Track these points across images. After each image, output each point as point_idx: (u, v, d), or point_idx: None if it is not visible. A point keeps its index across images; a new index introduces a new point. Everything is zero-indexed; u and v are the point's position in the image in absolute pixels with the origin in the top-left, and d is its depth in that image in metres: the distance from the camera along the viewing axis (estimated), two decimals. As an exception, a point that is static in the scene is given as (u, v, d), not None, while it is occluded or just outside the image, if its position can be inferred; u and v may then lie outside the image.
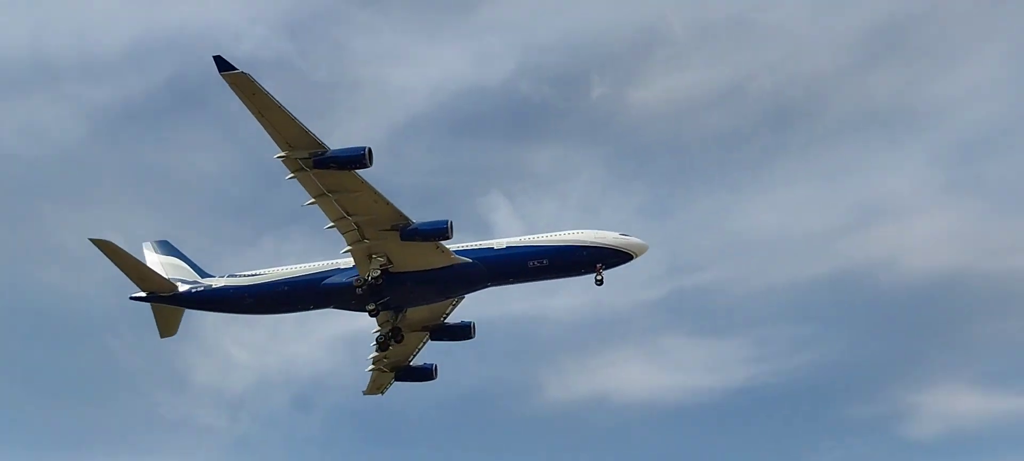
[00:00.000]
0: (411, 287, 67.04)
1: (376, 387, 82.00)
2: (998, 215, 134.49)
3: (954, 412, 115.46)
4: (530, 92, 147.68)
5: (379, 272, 65.34)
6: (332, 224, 62.78)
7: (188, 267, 71.62)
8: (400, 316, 71.85)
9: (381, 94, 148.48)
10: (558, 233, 68.54)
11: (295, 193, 60.10)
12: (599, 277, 67.85)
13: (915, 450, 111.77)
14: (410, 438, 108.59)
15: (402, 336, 73.01)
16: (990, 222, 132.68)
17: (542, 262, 67.51)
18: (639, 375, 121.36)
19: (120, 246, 66.51)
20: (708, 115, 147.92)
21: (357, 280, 66.38)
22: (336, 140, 57.31)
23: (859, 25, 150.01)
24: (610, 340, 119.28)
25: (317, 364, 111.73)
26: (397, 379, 79.47)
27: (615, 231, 68.52)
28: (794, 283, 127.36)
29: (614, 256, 67.80)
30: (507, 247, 67.92)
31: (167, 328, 73.34)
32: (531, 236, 68.71)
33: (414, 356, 78.39)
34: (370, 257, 65.19)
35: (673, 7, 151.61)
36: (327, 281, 68.58)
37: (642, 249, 68.30)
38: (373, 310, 69.08)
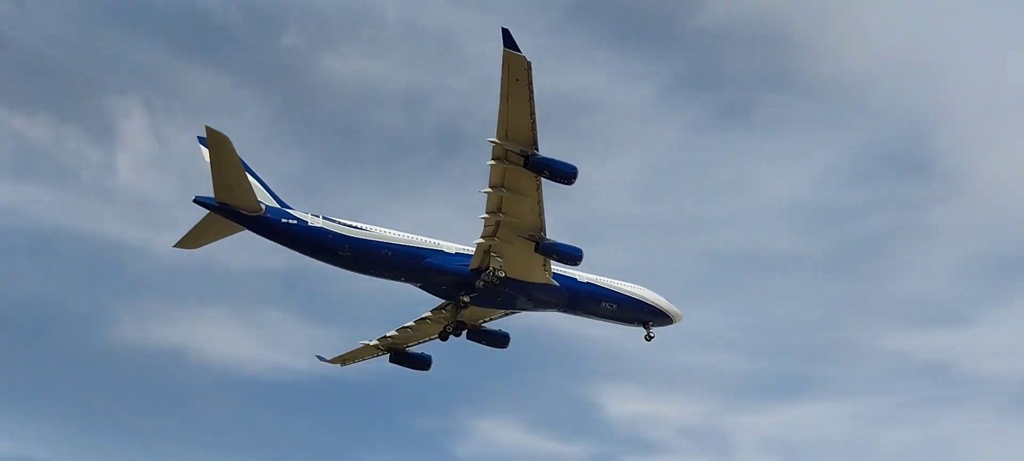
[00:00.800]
0: (509, 292, 67.20)
1: (348, 359, 79.02)
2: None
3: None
4: (217, 7, 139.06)
5: (504, 274, 64.86)
6: (486, 215, 61.51)
7: (265, 191, 63.33)
8: (460, 312, 71.02)
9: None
10: (624, 284, 73.74)
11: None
12: (650, 334, 74.56)
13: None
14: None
15: (461, 330, 72.12)
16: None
17: (612, 306, 72.22)
18: (228, 340, 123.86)
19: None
20: (387, 113, 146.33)
21: (486, 276, 64.91)
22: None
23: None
24: (209, 298, 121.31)
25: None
26: (392, 361, 77.40)
27: (664, 297, 75.74)
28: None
29: (663, 318, 75.00)
30: (588, 282, 71.40)
31: (195, 240, 63.81)
32: (603, 278, 72.86)
33: (414, 345, 77.25)
34: (489, 254, 64.54)
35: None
36: (431, 261, 65.73)
37: (679, 318, 76.33)
38: (466, 302, 67.82)
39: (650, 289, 75.04)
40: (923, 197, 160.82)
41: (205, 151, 62.71)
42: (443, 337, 72.74)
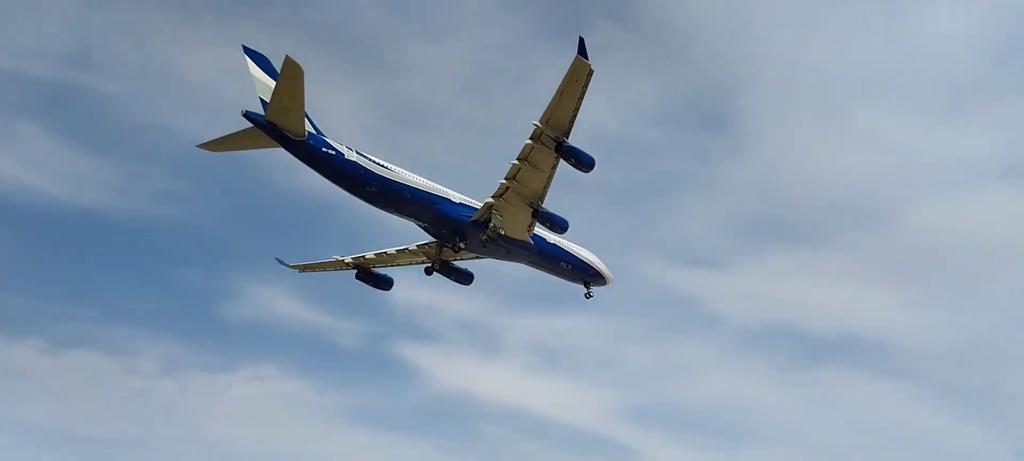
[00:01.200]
0: (497, 245, 75.79)
1: (313, 267, 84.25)
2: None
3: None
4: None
5: (502, 231, 73.31)
6: (504, 181, 69.41)
7: (305, 118, 66.78)
8: (443, 251, 78.67)
9: None
10: (579, 248, 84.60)
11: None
12: (590, 293, 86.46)
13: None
14: None
15: (443, 268, 79.74)
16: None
17: (567, 266, 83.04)
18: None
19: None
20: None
21: (490, 231, 72.59)
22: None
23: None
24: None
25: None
26: (358, 278, 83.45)
27: (599, 258, 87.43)
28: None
29: (600, 280, 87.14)
30: (554, 243, 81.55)
31: (223, 146, 66.72)
32: (563, 241, 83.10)
33: (381, 268, 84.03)
34: (490, 211, 72.71)
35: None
36: (441, 207, 72.57)
37: (611, 281, 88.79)
38: (461, 247, 75.47)
39: (594, 254, 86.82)
40: (715, 150, 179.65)
41: (251, 62, 65.74)
42: (428, 272, 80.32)
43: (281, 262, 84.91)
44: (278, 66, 62.03)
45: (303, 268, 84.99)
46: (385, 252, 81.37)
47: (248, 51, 66.45)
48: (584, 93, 61.93)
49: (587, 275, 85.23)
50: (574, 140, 65.14)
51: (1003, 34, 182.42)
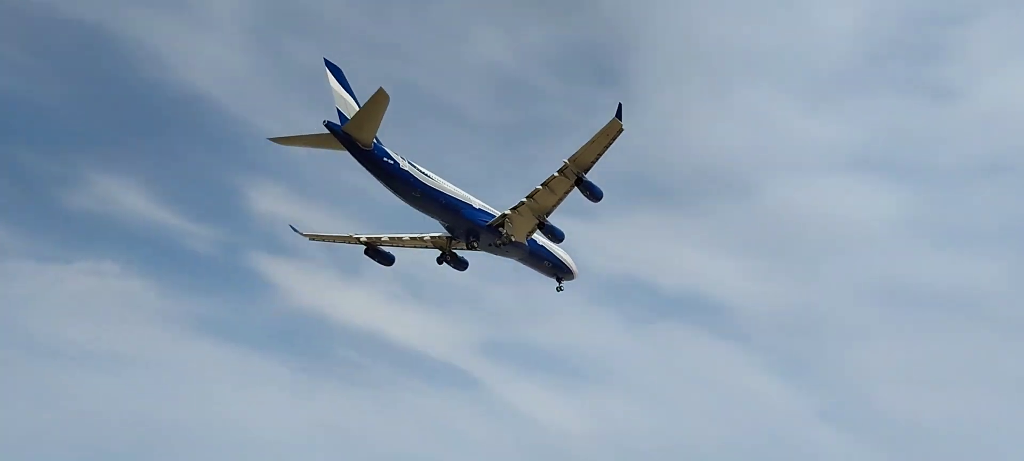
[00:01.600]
0: (503, 246, 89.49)
1: (325, 238, 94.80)
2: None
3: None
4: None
5: (513, 237, 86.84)
6: (524, 199, 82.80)
7: None
8: (453, 244, 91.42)
9: None
10: (557, 248, 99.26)
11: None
12: (561, 286, 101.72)
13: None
14: None
15: (452, 259, 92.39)
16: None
17: (547, 264, 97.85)
18: None
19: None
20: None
21: (505, 237, 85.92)
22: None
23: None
24: None
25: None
26: (366, 253, 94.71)
27: (570, 257, 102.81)
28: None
29: (570, 274, 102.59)
30: (541, 245, 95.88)
31: (293, 142, 76.70)
32: (547, 243, 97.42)
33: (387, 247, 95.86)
34: (504, 218, 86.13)
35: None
36: (467, 213, 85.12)
37: (577, 275, 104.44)
38: (475, 246, 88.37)
39: (567, 253, 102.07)
40: (602, 104, 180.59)
41: (330, 75, 76.02)
42: (440, 261, 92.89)
43: (294, 229, 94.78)
44: (351, 78, 72.58)
45: (313, 237, 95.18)
46: (399, 237, 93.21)
47: (329, 64, 76.21)
48: (609, 146, 76.26)
49: (561, 271, 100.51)
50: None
51: (879, 33, 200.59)
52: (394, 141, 79.01)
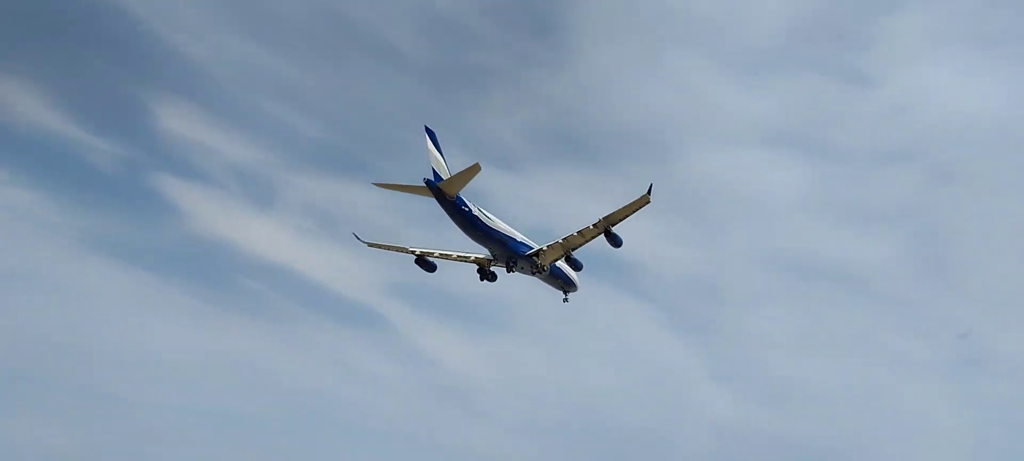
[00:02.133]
0: (535, 269, 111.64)
1: (383, 246, 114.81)
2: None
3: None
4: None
5: (545, 266, 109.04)
6: (560, 240, 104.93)
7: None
8: (491, 263, 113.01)
9: None
10: (566, 266, 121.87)
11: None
12: (566, 299, 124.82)
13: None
14: None
15: (492, 274, 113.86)
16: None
17: (559, 281, 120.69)
18: None
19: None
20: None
21: (539, 266, 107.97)
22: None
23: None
24: None
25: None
26: (416, 262, 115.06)
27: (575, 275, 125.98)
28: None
29: (574, 288, 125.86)
30: (557, 265, 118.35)
31: (392, 187, 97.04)
32: (561, 264, 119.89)
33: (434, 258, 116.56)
34: (540, 251, 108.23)
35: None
36: (510, 245, 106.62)
37: (578, 288, 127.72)
38: (513, 269, 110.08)
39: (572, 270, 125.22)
40: (534, 56, 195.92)
41: (429, 141, 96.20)
42: (482, 278, 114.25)
43: (356, 237, 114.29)
44: (443, 140, 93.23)
45: (374, 245, 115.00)
46: (449, 254, 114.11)
47: (428, 130, 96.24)
48: (636, 211, 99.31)
49: (569, 286, 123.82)
50: None
51: (810, 13, 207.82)
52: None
